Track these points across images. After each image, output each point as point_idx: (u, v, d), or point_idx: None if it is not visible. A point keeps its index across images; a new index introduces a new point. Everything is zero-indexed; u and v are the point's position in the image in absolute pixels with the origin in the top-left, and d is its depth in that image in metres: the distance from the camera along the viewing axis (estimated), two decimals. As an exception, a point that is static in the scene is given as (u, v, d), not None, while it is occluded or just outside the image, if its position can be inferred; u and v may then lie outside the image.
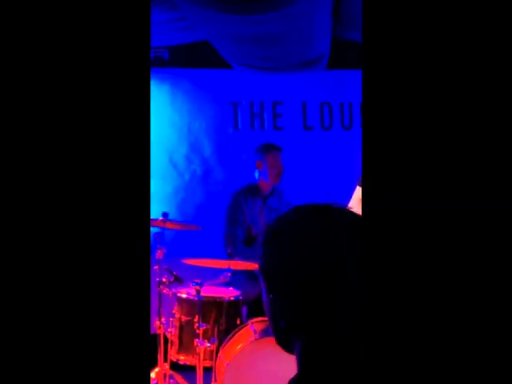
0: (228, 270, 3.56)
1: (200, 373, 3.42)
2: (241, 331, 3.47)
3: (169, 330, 3.66)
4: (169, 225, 3.84)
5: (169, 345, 3.70)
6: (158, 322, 3.72)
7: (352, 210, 1.11)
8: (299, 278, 1.06)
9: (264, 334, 3.40)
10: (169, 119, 4.90)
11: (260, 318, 3.58)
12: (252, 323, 3.48)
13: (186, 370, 3.74)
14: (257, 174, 4.40)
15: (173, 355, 3.67)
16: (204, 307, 3.48)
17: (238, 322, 3.63)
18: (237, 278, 3.91)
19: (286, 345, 1.13)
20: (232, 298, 3.65)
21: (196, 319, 3.46)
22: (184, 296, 3.65)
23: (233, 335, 3.46)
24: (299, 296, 1.06)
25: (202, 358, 3.42)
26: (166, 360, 3.74)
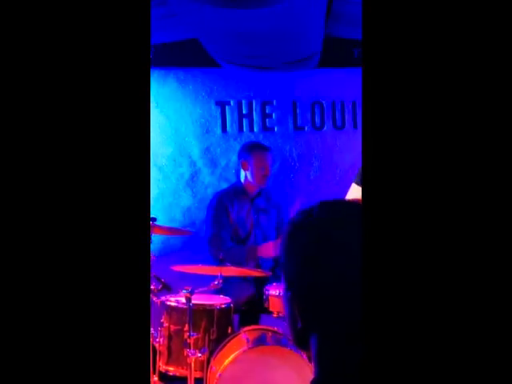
0: (219, 276, 3.42)
1: (191, 384, 3.29)
2: (233, 340, 3.37)
3: (157, 339, 3.52)
4: (157, 230, 3.70)
5: (157, 355, 3.56)
6: (146, 332, 3.57)
7: None
8: (316, 274, 1.04)
9: (257, 342, 3.31)
10: (154, 120, 4.75)
11: (253, 327, 3.51)
12: (244, 332, 3.39)
13: (176, 382, 3.61)
14: (242, 175, 4.25)
15: (162, 366, 3.53)
16: (194, 316, 3.35)
17: (230, 330, 3.51)
18: (229, 285, 3.76)
19: (303, 345, 1.11)
20: (223, 306, 3.53)
21: (186, 328, 3.33)
22: (173, 304, 3.52)
23: (224, 344, 3.36)
24: (316, 292, 1.04)
25: (193, 368, 3.28)
26: (154, 372, 3.60)
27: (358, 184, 2.98)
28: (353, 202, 1.12)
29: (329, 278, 1.02)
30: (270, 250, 4.01)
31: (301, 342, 1.11)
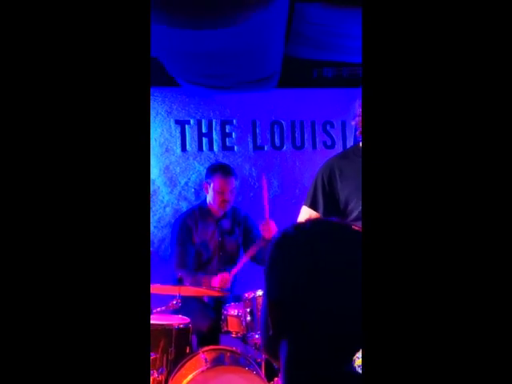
0: (177, 296, 3.38)
1: (148, 406, 3.23)
2: (191, 360, 3.31)
3: (114, 360, 3.45)
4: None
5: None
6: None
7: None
8: (297, 286, 1.06)
9: (216, 362, 3.26)
10: (113, 139, 4.70)
11: (211, 347, 3.45)
12: (203, 352, 3.34)
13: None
14: (207, 196, 4.19)
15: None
16: (152, 335, 3.29)
17: (188, 350, 3.46)
18: (187, 305, 3.69)
19: (272, 352, 1.13)
20: (181, 326, 3.47)
21: (144, 348, 3.27)
22: (130, 324, 3.45)
23: (183, 364, 3.30)
24: (294, 302, 1.06)
25: (150, 389, 3.23)
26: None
27: (308, 206, 2.95)
28: (345, 224, 1.16)
29: (310, 291, 1.05)
30: (225, 281, 3.85)
31: (270, 350, 1.13)
